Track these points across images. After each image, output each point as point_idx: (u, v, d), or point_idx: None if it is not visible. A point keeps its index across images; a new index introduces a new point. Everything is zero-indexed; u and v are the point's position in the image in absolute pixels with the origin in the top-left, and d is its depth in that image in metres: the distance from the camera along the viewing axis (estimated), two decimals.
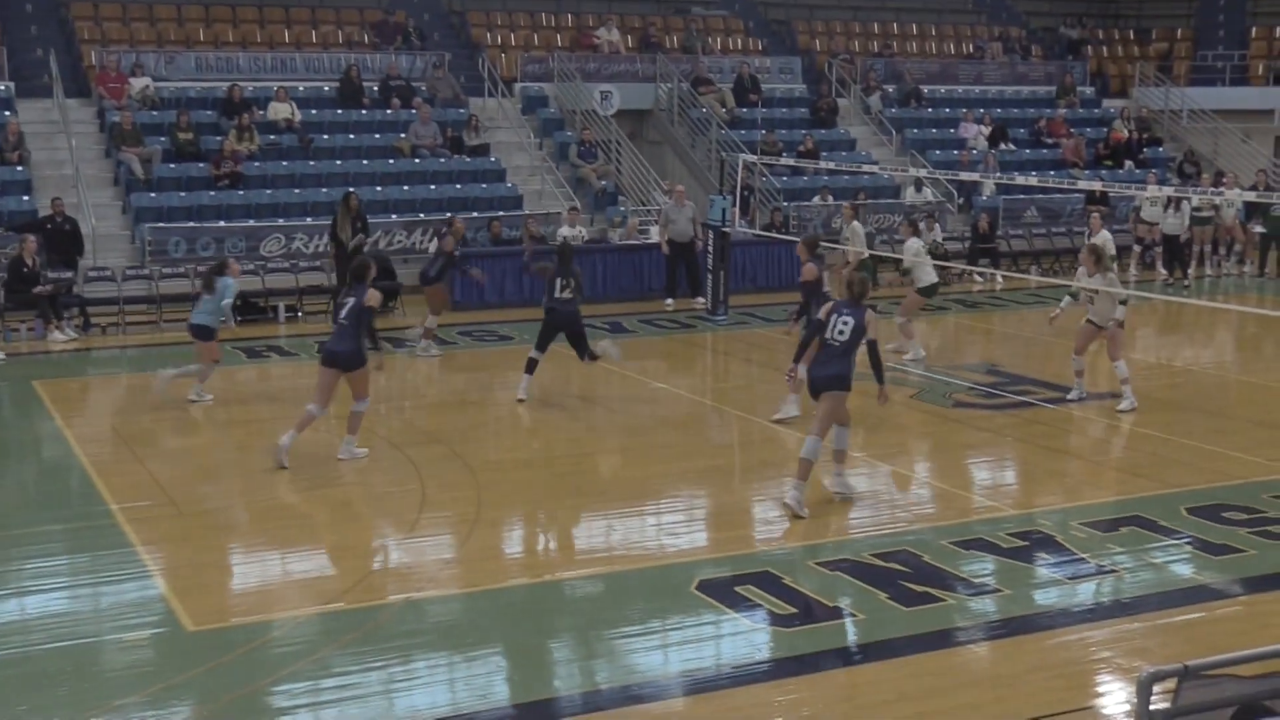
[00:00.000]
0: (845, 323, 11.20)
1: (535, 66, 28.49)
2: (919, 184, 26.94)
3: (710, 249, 20.90)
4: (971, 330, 20.76)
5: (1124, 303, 14.94)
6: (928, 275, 17.79)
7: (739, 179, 21.21)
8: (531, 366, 15.24)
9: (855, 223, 19.75)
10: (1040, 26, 36.47)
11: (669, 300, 21.88)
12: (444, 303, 18.59)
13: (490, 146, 25.99)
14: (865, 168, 25.07)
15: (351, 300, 12.55)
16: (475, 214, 23.51)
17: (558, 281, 14.97)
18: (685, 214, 22.09)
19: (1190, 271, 25.03)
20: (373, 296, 12.55)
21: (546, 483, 12.21)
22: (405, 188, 24.12)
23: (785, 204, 25.39)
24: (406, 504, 11.47)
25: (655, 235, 22.70)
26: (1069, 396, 15.27)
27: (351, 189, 21.48)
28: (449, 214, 22.54)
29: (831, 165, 25.30)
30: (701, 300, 21.53)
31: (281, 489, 11.88)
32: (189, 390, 15.12)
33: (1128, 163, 30.31)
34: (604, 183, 25.58)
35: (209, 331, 14.95)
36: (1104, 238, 20.69)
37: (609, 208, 25.02)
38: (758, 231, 23.19)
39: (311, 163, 24.27)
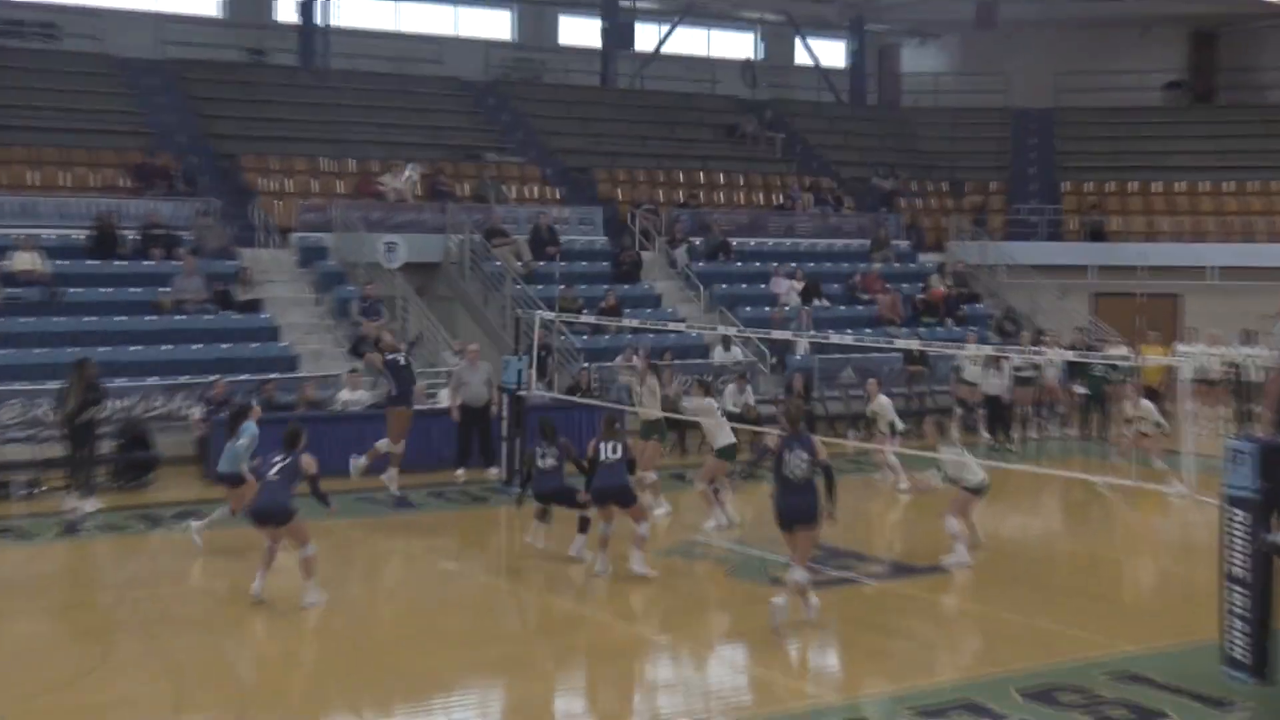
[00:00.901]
0: (801, 457, 12.86)
1: (313, 215, 28.34)
2: (728, 342, 27.28)
3: (505, 414, 20.78)
4: None
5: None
6: (725, 436, 18.12)
7: (535, 338, 21.17)
8: (540, 515, 16.32)
9: (650, 380, 19.87)
10: (852, 177, 37.69)
11: (460, 471, 21.60)
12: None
13: (263, 302, 25.68)
14: (671, 325, 25.33)
15: (285, 459, 14.01)
16: (245, 376, 23.08)
17: (538, 451, 15.99)
18: (479, 375, 21.95)
19: (1014, 434, 25.72)
20: (309, 462, 14.02)
21: (319, 677, 11.79)
22: (166, 347, 23.61)
23: (588, 364, 25.46)
24: (156, 706, 10.95)
25: (444, 399, 22.49)
26: (950, 561, 15.79)
27: (85, 357, 20.56)
28: (217, 377, 22.06)
29: (635, 323, 25.55)
30: (495, 470, 21.31)
31: (9, 696, 11.22)
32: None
33: (947, 320, 31.25)
34: None
35: (237, 478, 16.11)
36: (882, 403, 21.22)
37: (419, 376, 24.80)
38: (556, 394, 23.14)
39: (60, 319, 23.62)
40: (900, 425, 21.26)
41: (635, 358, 22.45)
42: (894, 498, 20.31)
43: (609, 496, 15.26)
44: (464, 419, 21.71)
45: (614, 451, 15.29)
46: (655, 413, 19.44)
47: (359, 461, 19.76)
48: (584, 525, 15.85)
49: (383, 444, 19.91)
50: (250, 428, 16.33)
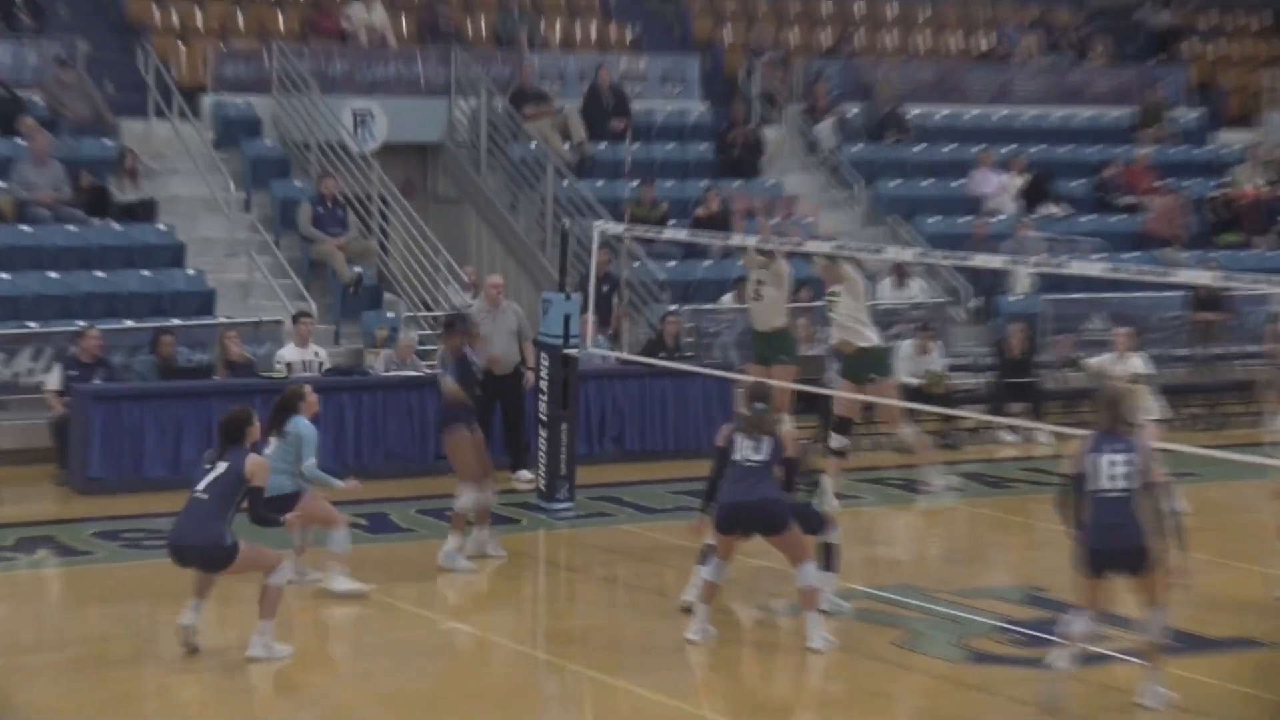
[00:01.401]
0: (1129, 461, 13.03)
1: (239, 67, 28.48)
2: (902, 273, 27.15)
3: (545, 386, 20.79)
4: (999, 527, 20.80)
5: None
6: (867, 334, 18.36)
7: (594, 264, 21.13)
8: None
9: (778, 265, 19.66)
10: (1107, 7, 37.31)
11: None
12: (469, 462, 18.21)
13: (159, 205, 25.91)
14: (811, 245, 25.18)
15: (220, 466, 14.13)
16: (130, 323, 23.33)
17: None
18: (504, 324, 21.90)
19: None
20: (256, 467, 14.15)
21: None
22: (3, 275, 23.92)
23: (676, 308, 25.40)
24: None
25: None
26: None
27: None
28: (87, 324, 22.23)
29: (752, 241, 25.48)
30: (529, 475, 21.38)
31: None
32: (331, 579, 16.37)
33: (1263, 237, 30.97)
34: (358, 270, 25.55)
35: (289, 500, 15.96)
36: (1129, 367, 20.89)
37: (367, 313, 24.93)
38: (626, 355, 23.10)
39: None
40: (1157, 409, 20.98)
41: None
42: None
43: (742, 519, 14.87)
44: (483, 394, 21.69)
45: (755, 450, 14.90)
46: (777, 320, 19.23)
47: (452, 548, 19.14)
48: (704, 556, 15.70)
49: (464, 501, 18.42)
50: (304, 427, 16.32)
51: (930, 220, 29.42)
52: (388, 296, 25.54)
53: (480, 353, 21.34)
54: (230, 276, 25.18)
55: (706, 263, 27.34)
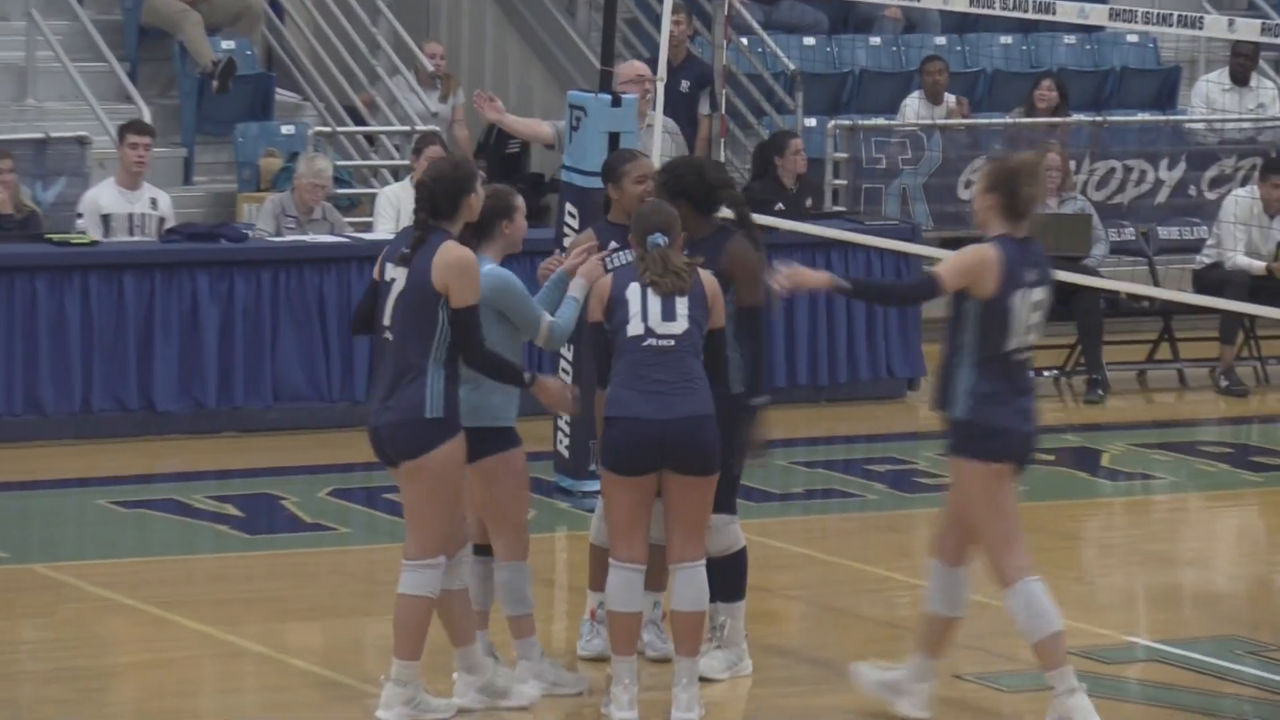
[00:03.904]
0: None
1: None
2: (1243, 71, 27.38)
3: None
4: None
5: None
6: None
7: (664, 41, 21.30)
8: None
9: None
10: None
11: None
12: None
13: None
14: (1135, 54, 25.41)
15: (401, 274, 14.17)
16: None
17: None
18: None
19: None
20: (453, 261, 13.98)
21: None
22: None
23: (811, 122, 25.55)
24: None
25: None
26: None
27: None
28: None
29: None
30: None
31: None
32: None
33: None
34: (229, 46, 25.94)
35: (493, 437, 15.41)
36: None
37: (244, 126, 25.26)
38: (771, 221, 23.14)
39: None
40: None
41: None
42: None
43: (664, 448, 14.48)
44: None
45: (668, 315, 14.63)
46: None
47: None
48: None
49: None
50: (494, 275, 15.16)
51: None
52: (283, 96, 25.67)
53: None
54: (55, 90, 25.56)
55: (874, 40, 27.40)
